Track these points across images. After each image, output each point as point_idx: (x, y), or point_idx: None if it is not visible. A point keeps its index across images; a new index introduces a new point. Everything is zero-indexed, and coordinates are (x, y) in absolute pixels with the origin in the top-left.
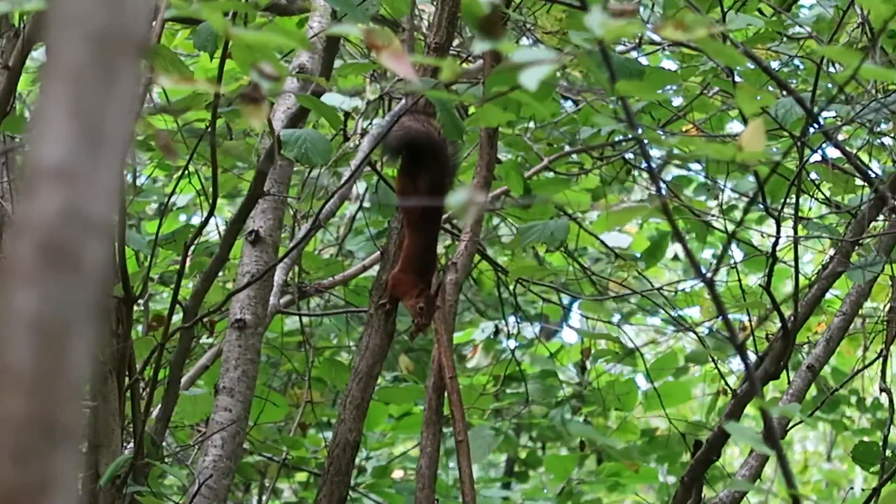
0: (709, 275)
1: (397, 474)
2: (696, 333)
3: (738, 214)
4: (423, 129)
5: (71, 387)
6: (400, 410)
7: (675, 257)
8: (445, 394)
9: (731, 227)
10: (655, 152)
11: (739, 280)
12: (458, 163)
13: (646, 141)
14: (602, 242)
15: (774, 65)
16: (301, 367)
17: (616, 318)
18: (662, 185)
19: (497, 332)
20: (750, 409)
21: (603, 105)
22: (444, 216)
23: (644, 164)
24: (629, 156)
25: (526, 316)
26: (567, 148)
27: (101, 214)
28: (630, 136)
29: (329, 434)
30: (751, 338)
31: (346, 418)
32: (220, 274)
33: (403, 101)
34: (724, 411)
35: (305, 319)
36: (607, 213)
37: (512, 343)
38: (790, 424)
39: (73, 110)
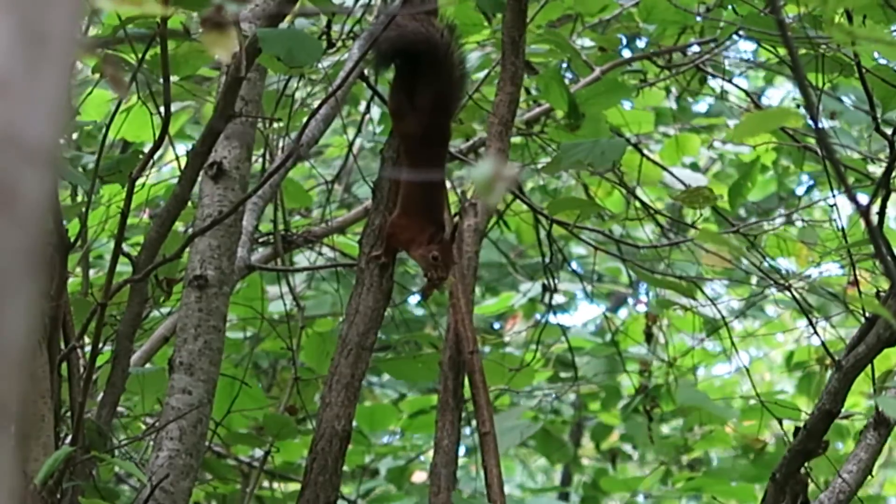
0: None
1: (419, 477)
2: (790, 291)
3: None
4: (421, 30)
5: (7, 356)
6: (413, 407)
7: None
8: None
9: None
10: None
11: (839, 216)
12: (467, 73)
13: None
14: (671, 174)
15: None
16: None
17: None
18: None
19: (545, 290)
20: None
21: None
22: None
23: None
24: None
25: (577, 274)
26: (626, 54)
27: (42, 138)
28: (705, 38)
29: None
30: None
31: (332, 402)
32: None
33: None
34: (826, 387)
35: (297, 280)
36: (734, 127)
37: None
38: None
39: (7, 2)
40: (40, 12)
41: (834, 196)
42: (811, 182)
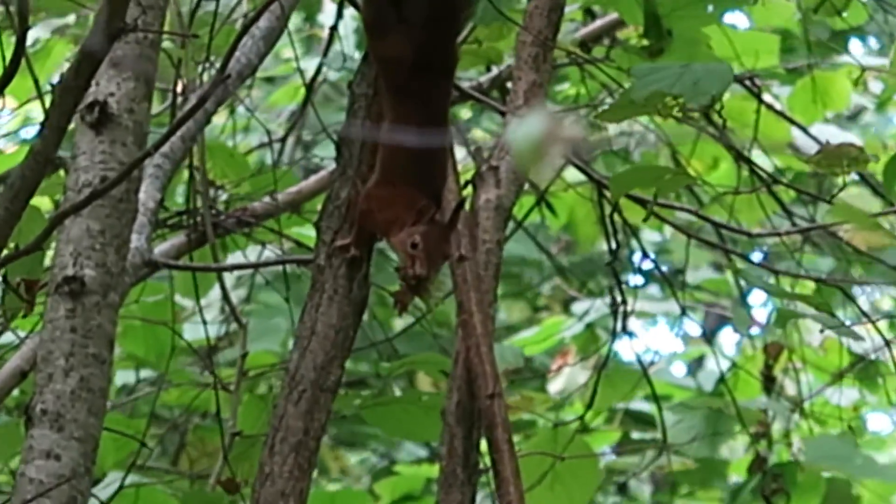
0: None
1: None
2: None
3: None
4: None
5: None
6: (398, 490)
7: None
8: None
9: None
10: None
11: None
12: None
13: None
14: (805, 132)
15: None
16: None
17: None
18: None
19: (614, 306)
20: None
21: None
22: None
23: None
24: None
25: (662, 275)
26: None
27: None
28: None
29: None
30: None
31: (274, 472)
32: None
33: None
34: None
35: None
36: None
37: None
38: None
39: None
40: None
41: None
42: None
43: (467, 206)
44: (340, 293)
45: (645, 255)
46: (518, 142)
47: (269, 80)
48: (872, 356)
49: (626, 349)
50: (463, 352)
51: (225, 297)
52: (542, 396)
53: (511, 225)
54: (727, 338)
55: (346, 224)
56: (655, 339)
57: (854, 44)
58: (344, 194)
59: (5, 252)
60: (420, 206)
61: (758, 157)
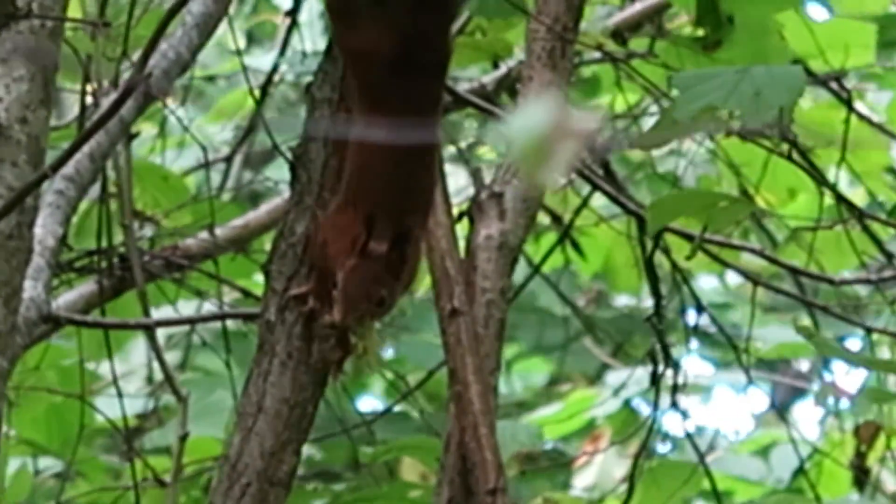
0: None
1: None
2: None
3: None
4: None
5: None
6: None
7: None
8: None
9: None
10: None
11: None
12: None
13: None
14: None
15: None
16: None
17: None
18: None
19: (655, 374)
20: None
21: None
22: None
23: None
24: None
25: (723, 335)
26: None
27: None
28: None
29: None
30: None
31: None
32: None
33: None
34: None
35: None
36: None
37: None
38: None
39: None
40: None
41: None
42: None
43: (462, 244)
44: (296, 357)
45: (700, 309)
46: (518, 138)
47: (210, 79)
48: None
49: (675, 431)
50: (456, 434)
51: (159, 359)
52: (567, 496)
53: (525, 269)
54: (805, 414)
55: (304, 267)
56: (714, 416)
57: None
58: (300, 229)
59: None
60: (354, 233)
61: (846, 183)
